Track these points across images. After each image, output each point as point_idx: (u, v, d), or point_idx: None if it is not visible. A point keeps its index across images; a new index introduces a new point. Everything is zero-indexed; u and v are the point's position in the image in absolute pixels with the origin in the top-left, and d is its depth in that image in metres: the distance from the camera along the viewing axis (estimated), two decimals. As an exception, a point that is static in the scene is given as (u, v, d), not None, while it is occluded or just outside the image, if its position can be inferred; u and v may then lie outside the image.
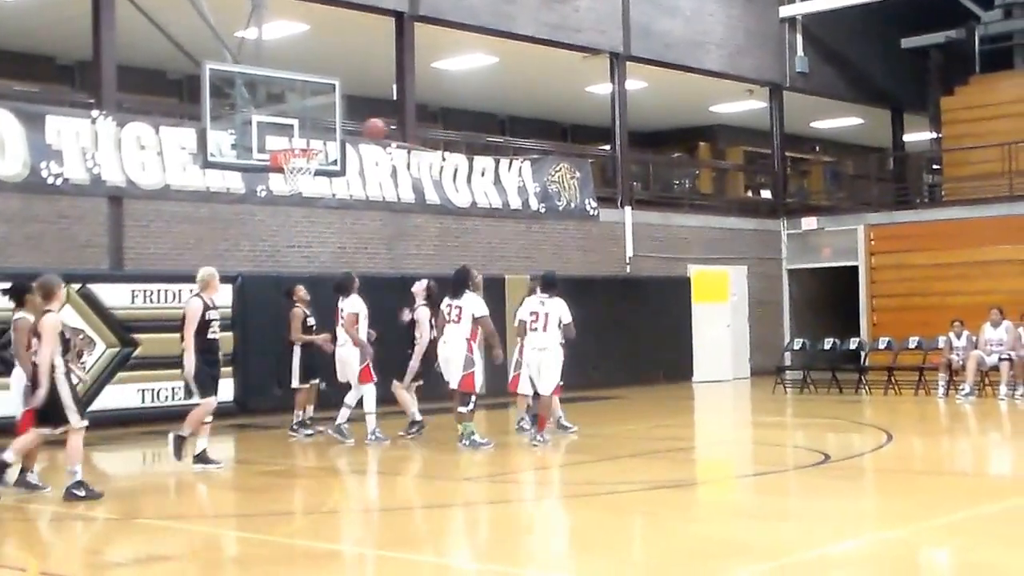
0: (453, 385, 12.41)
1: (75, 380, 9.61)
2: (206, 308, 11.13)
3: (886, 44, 27.61)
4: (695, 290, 23.10)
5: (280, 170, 12.99)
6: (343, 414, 13.07)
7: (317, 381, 13.80)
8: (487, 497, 10.27)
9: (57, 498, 9.45)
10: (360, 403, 13.05)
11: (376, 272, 17.47)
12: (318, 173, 13.40)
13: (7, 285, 10.58)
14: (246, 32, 13.66)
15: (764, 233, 25.37)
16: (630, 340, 21.02)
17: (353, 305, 13.01)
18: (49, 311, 9.44)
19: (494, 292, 19.38)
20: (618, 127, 22.69)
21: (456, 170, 19.44)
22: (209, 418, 11.18)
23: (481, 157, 20.13)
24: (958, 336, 18.29)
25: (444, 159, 19.36)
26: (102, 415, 13.90)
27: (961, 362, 18.03)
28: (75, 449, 9.37)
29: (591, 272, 21.01)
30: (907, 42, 27.80)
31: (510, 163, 20.41)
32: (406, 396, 13.36)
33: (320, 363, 13.64)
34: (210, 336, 11.12)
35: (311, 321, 13.74)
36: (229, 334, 14.83)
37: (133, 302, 15.39)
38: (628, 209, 22.43)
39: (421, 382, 13.39)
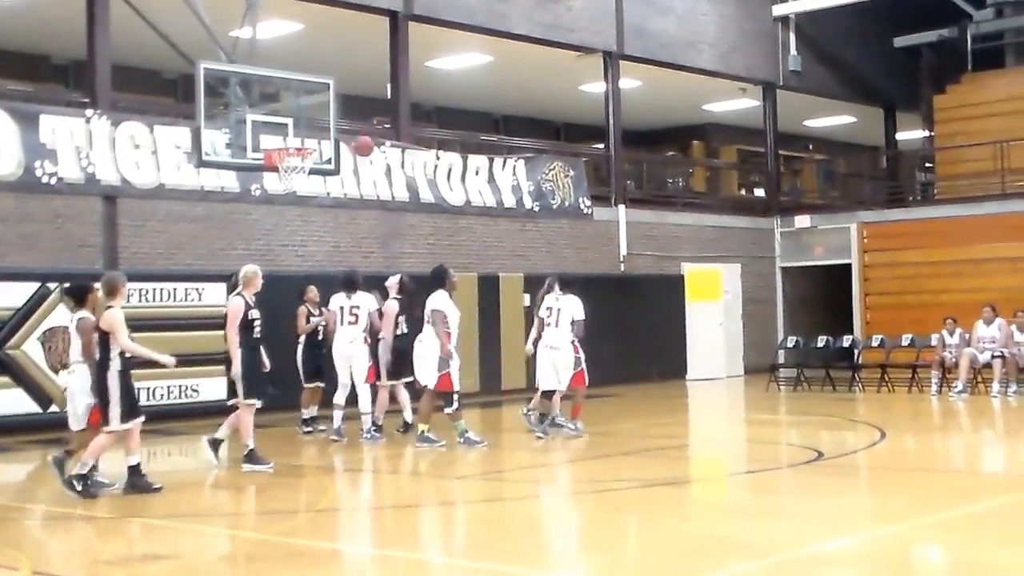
0: (423, 383, 12.48)
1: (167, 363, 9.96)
2: (248, 307, 11.06)
3: (879, 43, 27.69)
4: (689, 288, 23.11)
5: (274, 169, 13.01)
6: (336, 416, 13.12)
7: (322, 384, 14.01)
8: (481, 495, 10.30)
9: (57, 499, 9.47)
10: (353, 402, 13.10)
11: (370, 271, 17.44)
12: (312, 172, 13.43)
13: (67, 285, 10.89)
14: (240, 31, 13.68)
15: (757, 231, 25.40)
16: (624, 338, 21.02)
17: (370, 302, 13.19)
18: (111, 307, 9.65)
19: (488, 290, 19.52)
20: (612, 126, 22.70)
21: (450, 169, 19.44)
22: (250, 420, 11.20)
23: (475, 156, 20.12)
24: (951, 334, 18.35)
25: (438, 158, 19.35)
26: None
27: (954, 360, 18.08)
28: (99, 446, 9.79)
29: (585, 270, 20.99)
30: (900, 41, 27.87)
31: (504, 162, 20.41)
32: (404, 395, 13.53)
33: (325, 366, 13.80)
34: (256, 335, 11.08)
35: (314, 319, 14.05)
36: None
37: (128, 301, 15.17)
38: (622, 207, 22.46)
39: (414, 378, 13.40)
